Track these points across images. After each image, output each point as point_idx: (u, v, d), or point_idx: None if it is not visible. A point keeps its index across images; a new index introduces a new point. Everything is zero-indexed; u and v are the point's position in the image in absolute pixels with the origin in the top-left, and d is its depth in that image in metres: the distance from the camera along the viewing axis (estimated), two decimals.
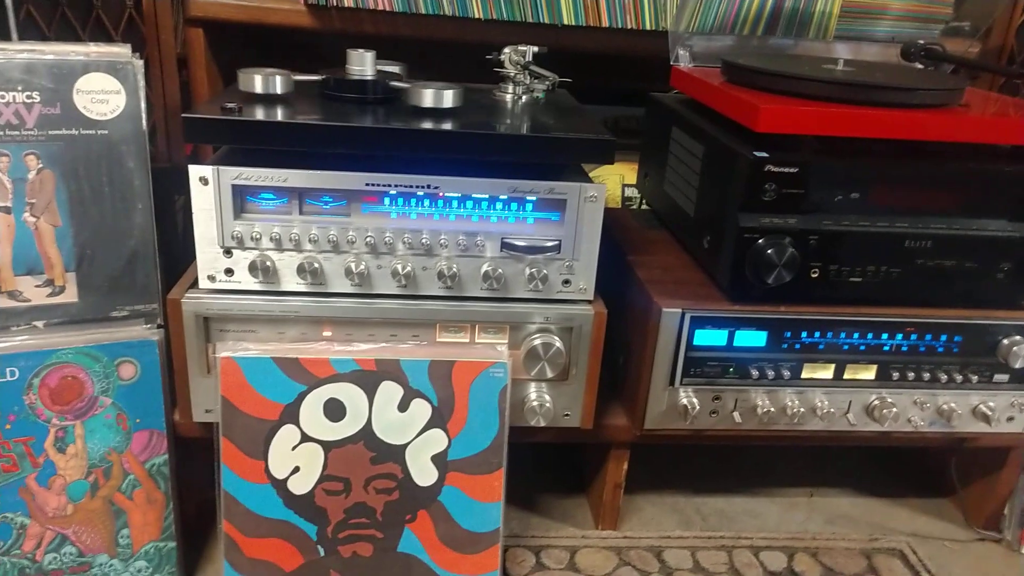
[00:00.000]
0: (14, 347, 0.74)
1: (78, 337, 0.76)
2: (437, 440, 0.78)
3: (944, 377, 0.85)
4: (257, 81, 0.75)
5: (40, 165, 0.74)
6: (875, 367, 0.84)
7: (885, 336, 0.83)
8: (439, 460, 0.78)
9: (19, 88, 0.72)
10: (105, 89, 0.74)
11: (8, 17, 0.93)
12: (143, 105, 0.75)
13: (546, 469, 1.06)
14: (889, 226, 0.79)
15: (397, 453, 0.77)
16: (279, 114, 0.73)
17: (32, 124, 0.73)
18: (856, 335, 0.83)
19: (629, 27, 0.95)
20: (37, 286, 0.76)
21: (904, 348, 0.84)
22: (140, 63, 0.75)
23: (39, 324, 0.77)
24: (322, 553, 0.79)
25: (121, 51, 0.75)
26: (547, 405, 0.82)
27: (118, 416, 0.78)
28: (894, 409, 0.85)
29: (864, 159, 0.79)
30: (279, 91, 0.76)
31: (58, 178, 0.74)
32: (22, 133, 0.72)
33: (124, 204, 0.77)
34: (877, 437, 0.89)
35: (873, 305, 0.83)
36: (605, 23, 0.94)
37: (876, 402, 0.85)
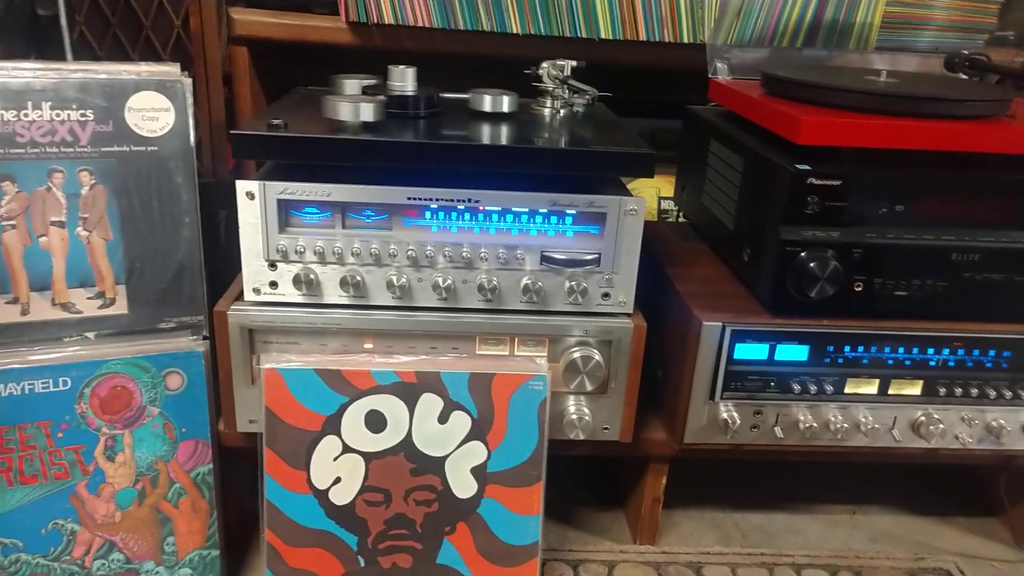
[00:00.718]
0: (66, 357, 0.76)
1: (127, 348, 0.78)
2: (477, 452, 0.78)
3: (993, 393, 0.83)
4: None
5: (93, 181, 0.76)
6: (921, 382, 0.83)
7: (931, 351, 0.82)
8: (478, 472, 0.78)
9: (74, 106, 0.74)
10: (155, 107, 0.76)
11: (63, 38, 0.97)
12: (191, 122, 0.77)
13: (584, 482, 1.05)
14: (935, 239, 0.78)
15: (437, 465, 0.78)
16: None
17: (86, 141, 0.75)
18: (901, 350, 0.82)
19: (666, 40, 0.95)
20: (89, 298, 0.78)
21: (951, 363, 0.82)
22: (188, 81, 0.77)
23: (90, 335, 0.79)
24: (362, 564, 0.79)
25: (170, 70, 0.77)
26: (586, 418, 0.81)
27: (165, 425, 0.80)
28: (941, 426, 0.83)
29: (908, 171, 0.78)
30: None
31: (110, 193, 0.76)
32: (76, 150, 0.75)
33: (172, 219, 0.78)
34: (923, 454, 0.88)
35: (919, 319, 0.81)
36: (643, 37, 0.94)
37: (922, 418, 0.84)
